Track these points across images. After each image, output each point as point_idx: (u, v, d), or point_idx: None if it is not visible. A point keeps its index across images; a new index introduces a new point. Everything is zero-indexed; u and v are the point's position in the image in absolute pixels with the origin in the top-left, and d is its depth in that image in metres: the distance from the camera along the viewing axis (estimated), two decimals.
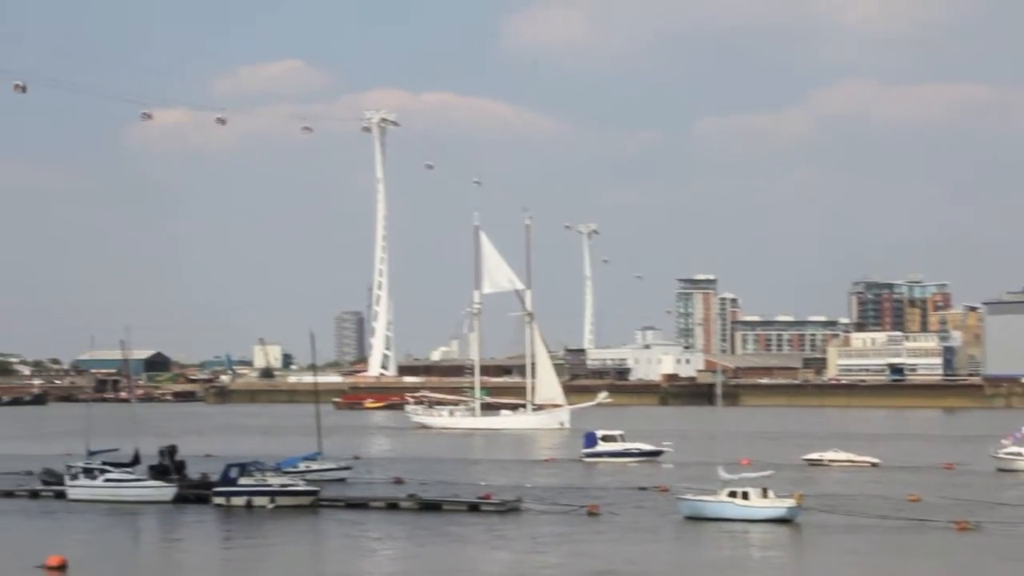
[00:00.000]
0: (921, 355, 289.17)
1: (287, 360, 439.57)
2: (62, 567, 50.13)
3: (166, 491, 73.26)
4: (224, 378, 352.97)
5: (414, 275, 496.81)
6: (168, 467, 77.04)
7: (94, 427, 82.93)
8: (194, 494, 73.17)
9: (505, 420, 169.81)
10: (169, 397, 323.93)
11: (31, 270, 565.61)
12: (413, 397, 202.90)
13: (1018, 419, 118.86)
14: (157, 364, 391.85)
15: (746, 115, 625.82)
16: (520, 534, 60.14)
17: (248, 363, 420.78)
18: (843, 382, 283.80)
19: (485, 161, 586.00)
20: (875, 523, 62.24)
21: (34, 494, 77.33)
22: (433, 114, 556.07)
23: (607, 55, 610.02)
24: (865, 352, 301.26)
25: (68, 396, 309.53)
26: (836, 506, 67.52)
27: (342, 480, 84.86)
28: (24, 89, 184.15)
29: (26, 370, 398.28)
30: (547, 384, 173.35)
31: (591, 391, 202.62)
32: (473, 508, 68.61)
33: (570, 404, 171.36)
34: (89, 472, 75.78)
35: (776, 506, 62.91)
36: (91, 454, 79.36)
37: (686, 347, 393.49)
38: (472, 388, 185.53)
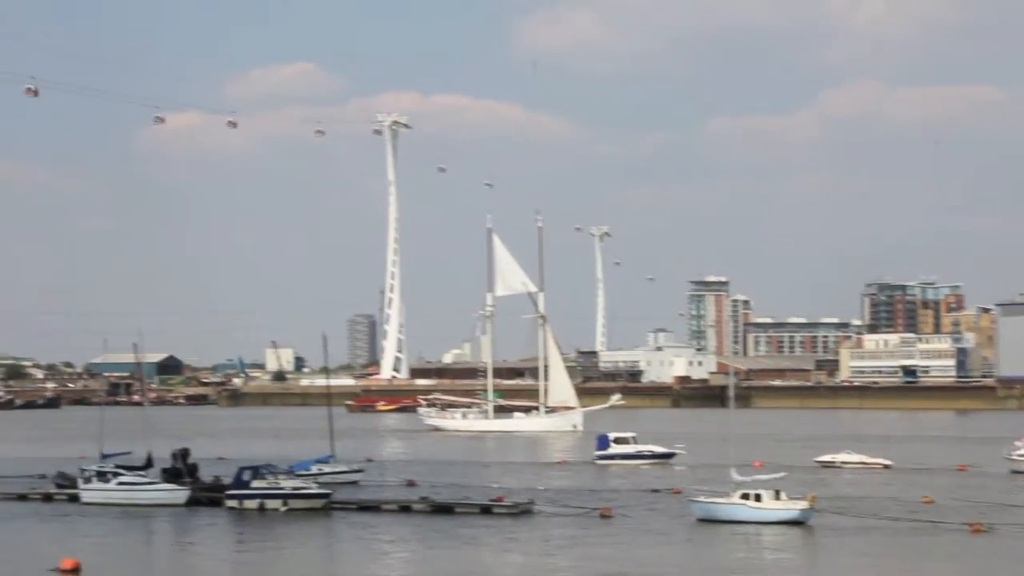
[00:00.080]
0: (934, 357, 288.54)
1: (299, 363, 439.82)
2: (76, 570, 50.22)
3: (179, 494, 73.34)
4: (236, 381, 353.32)
5: (426, 278, 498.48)
6: (181, 470, 77.10)
7: (107, 430, 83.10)
8: (207, 497, 73.27)
9: (518, 422, 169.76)
10: (182, 400, 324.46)
11: (44, 274, 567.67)
12: (426, 400, 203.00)
13: None
14: (170, 367, 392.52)
15: (758, 116, 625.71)
16: (532, 536, 60.14)
17: (260, 366, 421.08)
18: (855, 384, 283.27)
19: (497, 163, 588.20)
20: (888, 525, 62.15)
21: (48, 497, 77.47)
22: (445, 116, 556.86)
23: (619, 57, 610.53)
24: (878, 354, 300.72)
25: (81, 399, 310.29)
26: (849, 508, 67.44)
27: (354, 483, 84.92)
28: (36, 92, 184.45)
29: (39, 374, 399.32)
30: (560, 386, 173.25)
31: (603, 393, 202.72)
32: (485, 511, 68.60)
33: (583, 406, 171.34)
34: (102, 475, 75.88)
35: (789, 508, 62.83)
36: (104, 457, 79.53)
37: (698, 349, 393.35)
38: (485, 390, 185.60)
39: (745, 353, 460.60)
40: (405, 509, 70.44)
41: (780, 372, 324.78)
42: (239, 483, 72.06)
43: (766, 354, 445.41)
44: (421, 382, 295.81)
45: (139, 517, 68.75)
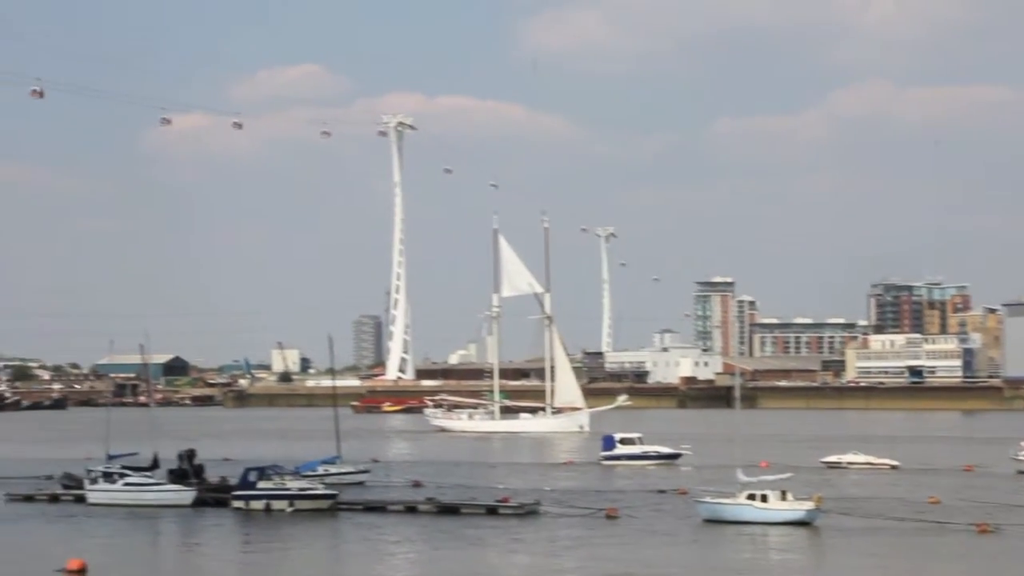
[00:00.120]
0: (940, 357, 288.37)
1: (305, 364, 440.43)
2: (82, 571, 50.25)
3: (185, 495, 73.38)
4: (242, 382, 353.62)
5: (431, 279, 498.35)
6: (187, 471, 77.11)
7: (113, 431, 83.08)
8: (213, 498, 73.29)
9: (524, 423, 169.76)
10: (188, 401, 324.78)
11: (50, 275, 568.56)
12: (432, 400, 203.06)
13: None
14: (176, 368, 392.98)
15: (763, 117, 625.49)
16: (538, 537, 60.11)
17: (266, 367, 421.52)
18: (862, 384, 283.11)
19: (502, 164, 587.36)
20: (894, 525, 62.07)
21: (54, 498, 77.49)
22: (450, 118, 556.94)
23: (625, 57, 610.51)
24: (884, 354, 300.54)
25: (87, 400, 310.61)
26: (855, 509, 67.35)
27: (360, 483, 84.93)
28: (42, 94, 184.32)
29: (46, 375, 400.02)
30: (567, 387, 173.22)
31: (609, 394, 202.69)
32: (491, 511, 68.57)
33: (589, 407, 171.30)
34: (109, 476, 75.95)
35: (795, 509, 62.77)
36: (111, 458, 79.58)
37: (704, 350, 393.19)
38: (490, 391, 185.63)
39: (751, 354, 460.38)
40: (411, 510, 70.42)
41: (786, 373, 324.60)
42: (245, 484, 72.07)
43: (772, 355, 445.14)
44: (427, 383, 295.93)
45: (145, 518, 68.79)
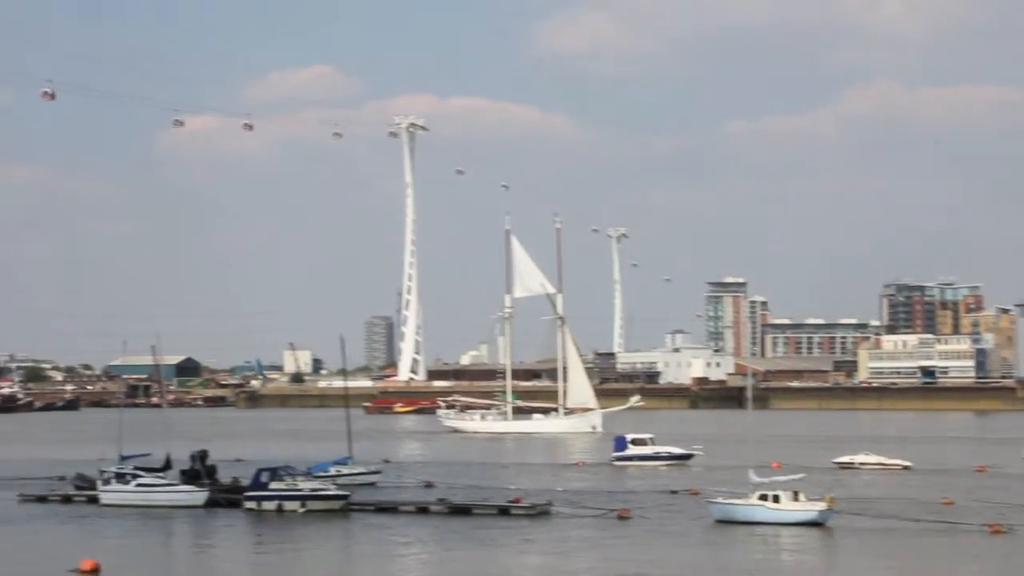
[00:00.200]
0: (953, 357, 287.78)
1: (317, 365, 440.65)
2: (95, 571, 50.37)
3: (197, 496, 73.48)
4: (255, 383, 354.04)
5: (442, 280, 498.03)
6: (199, 472, 77.24)
7: (126, 432, 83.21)
8: (225, 498, 73.38)
9: (537, 424, 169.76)
10: (200, 402, 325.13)
11: (62, 277, 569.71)
12: (445, 401, 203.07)
13: None
14: (188, 369, 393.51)
15: (775, 117, 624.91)
16: (550, 538, 60.12)
17: (278, 368, 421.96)
18: (874, 385, 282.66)
19: (513, 165, 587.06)
20: (907, 526, 61.97)
21: (67, 499, 77.66)
22: (461, 119, 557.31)
23: (636, 59, 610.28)
24: (896, 355, 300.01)
25: (100, 401, 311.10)
26: (867, 509, 67.23)
27: (372, 484, 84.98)
28: (53, 96, 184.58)
29: (59, 376, 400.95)
30: (579, 388, 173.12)
31: (621, 395, 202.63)
32: (503, 512, 68.59)
33: (601, 408, 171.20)
34: (121, 477, 76.10)
35: (807, 509, 62.68)
36: (123, 459, 79.68)
37: (716, 350, 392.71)
38: (503, 392, 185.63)
39: (763, 354, 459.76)
40: (423, 510, 70.44)
41: (798, 373, 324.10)
42: (257, 484, 72.15)
43: (784, 355, 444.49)
44: (438, 384, 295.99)
45: (158, 518, 68.91)
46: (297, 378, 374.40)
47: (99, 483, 76.87)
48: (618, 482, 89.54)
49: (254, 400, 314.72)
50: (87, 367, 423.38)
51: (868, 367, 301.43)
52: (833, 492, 66.90)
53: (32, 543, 61.05)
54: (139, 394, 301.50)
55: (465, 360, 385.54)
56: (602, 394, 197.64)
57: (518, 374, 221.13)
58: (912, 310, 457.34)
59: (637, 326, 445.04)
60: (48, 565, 53.36)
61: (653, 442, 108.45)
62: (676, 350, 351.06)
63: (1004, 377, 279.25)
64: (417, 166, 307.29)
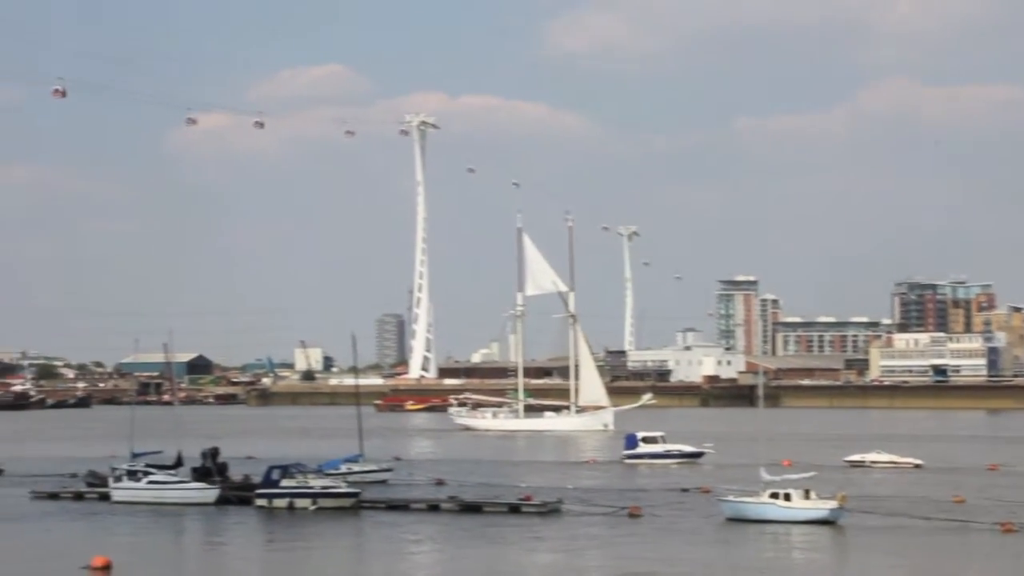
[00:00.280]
0: (965, 356, 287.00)
1: (328, 363, 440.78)
2: (107, 568, 50.48)
3: (209, 493, 73.61)
4: (266, 380, 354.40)
5: (453, 277, 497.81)
6: (211, 469, 77.38)
7: (137, 429, 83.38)
8: (236, 496, 73.49)
9: (549, 422, 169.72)
10: (211, 400, 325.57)
11: (74, 275, 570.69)
12: (457, 399, 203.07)
13: None
14: (199, 367, 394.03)
15: (785, 115, 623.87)
16: (560, 536, 60.11)
17: (289, 366, 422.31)
18: (885, 383, 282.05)
19: (524, 163, 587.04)
20: (918, 525, 61.85)
21: (78, 496, 77.87)
22: (472, 117, 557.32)
23: (646, 57, 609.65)
24: (908, 353, 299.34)
25: (112, 399, 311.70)
26: (879, 507, 67.13)
27: (383, 482, 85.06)
28: (64, 93, 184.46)
29: (70, 373, 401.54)
30: (591, 386, 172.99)
31: (632, 393, 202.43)
32: (514, 510, 68.62)
33: (613, 406, 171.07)
34: (133, 474, 76.28)
35: (819, 507, 62.64)
36: (135, 456, 79.82)
37: (727, 348, 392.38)
38: (514, 390, 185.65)
39: (774, 352, 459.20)
40: (434, 508, 70.49)
41: (809, 371, 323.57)
42: (268, 482, 72.25)
43: (795, 353, 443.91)
44: (449, 382, 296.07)
45: (169, 516, 69.04)
46: (308, 376, 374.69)
47: (111, 480, 77.05)
48: (629, 480, 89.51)
49: (265, 398, 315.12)
50: (99, 365, 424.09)
51: (880, 365, 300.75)
52: (844, 490, 66.78)
53: (44, 540, 61.21)
54: (150, 391, 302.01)
55: (476, 358, 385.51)
56: (613, 392, 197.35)
57: (529, 372, 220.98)
58: (924, 308, 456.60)
59: (648, 324, 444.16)
60: (60, 562, 53.49)
61: (664, 440, 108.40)
62: (687, 348, 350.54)
63: (1016, 376, 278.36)
64: (428, 164, 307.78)
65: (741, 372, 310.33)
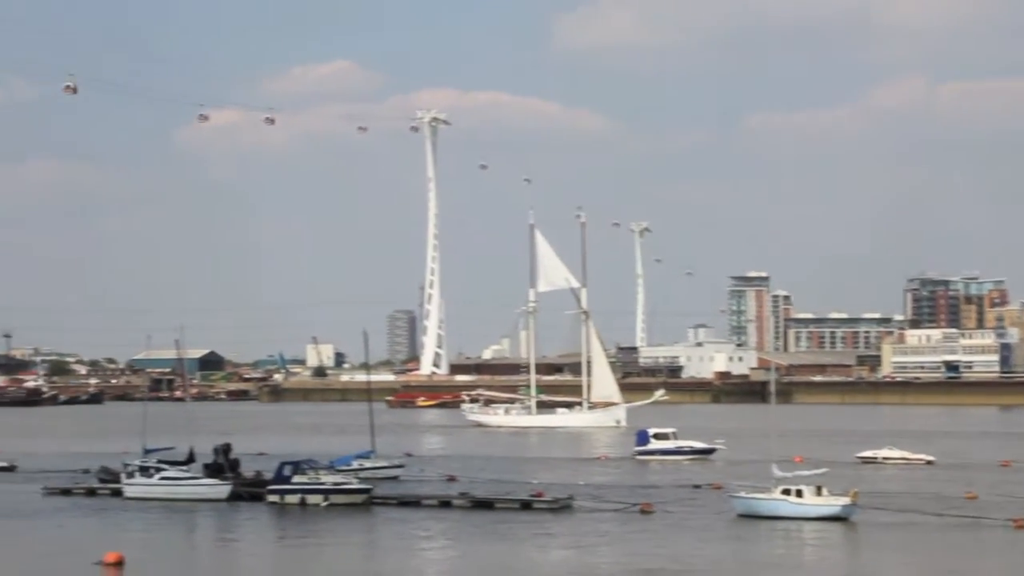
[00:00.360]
0: (977, 352, 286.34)
1: (339, 359, 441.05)
2: (119, 564, 50.58)
3: (221, 489, 73.68)
4: (277, 377, 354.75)
5: (465, 273, 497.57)
6: (223, 465, 77.47)
7: (149, 425, 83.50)
8: (248, 492, 73.56)
9: (561, 418, 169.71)
10: (223, 396, 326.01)
11: (86, 271, 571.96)
12: (468, 395, 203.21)
13: None
14: (211, 363, 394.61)
15: (798, 112, 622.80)
16: (572, 532, 60.15)
17: (301, 362, 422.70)
18: (897, 379, 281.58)
19: (535, 160, 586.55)
20: (930, 521, 61.74)
21: (91, 492, 77.97)
22: (483, 113, 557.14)
23: (657, 53, 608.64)
24: (920, 349, 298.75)
25: (124, 395, 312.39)
26: (891, 504, 67.03)
27: (395, 478, 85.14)
28: (75, 90, 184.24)
29: (83, 370, 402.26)
30: (603, 382, 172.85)
31: (644, 389, 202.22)
32: (525, 506, 68.63)
33: (625, 402, 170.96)
34: (145, 470, 76.44)
35: (831, 504, 62.57)
36: (147, 452, 79.92)
37: (739, 345, 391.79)
38: (526, 386, 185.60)
39: (786, 348, 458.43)
40: (445, 504, 70.51)
41: (821, 368, 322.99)
42: (280, 478, 72.34)
43: (807, 349, 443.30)
44: (461, 378, 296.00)
45: (181, 512, 69.14)
46: (320, 372, 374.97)
47: (123, 476, 77.19)
48: (640, 476, 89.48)
49: (277, 394, 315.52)
50: (111, 361, 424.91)
51: (891, 362, 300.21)
52: (856, 487, 66.70)
53: (56, 536, 61.36)
54: (162, 388, 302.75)
55: (487, 354, 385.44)
56: (625, 388, 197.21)
57: (540, 368, 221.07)
58: (936, 304, 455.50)
59: (660, 320, 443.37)
60: (72, 558, 53.60)
61: (675, 436, 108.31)
62: (699, 344, 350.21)
63: None
64: (439, 160, 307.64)
65: (753, 368, 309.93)
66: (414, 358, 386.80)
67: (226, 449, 79.39)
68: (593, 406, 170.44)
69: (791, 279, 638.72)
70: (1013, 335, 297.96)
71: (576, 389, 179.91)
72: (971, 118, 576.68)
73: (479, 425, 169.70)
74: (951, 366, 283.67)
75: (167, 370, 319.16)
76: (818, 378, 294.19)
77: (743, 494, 65.82)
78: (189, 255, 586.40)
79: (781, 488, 63.53)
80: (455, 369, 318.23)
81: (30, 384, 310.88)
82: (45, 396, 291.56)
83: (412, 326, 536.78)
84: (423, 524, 63.32)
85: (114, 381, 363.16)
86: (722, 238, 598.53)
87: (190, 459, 78.61)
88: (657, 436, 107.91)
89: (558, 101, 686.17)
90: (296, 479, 71.66)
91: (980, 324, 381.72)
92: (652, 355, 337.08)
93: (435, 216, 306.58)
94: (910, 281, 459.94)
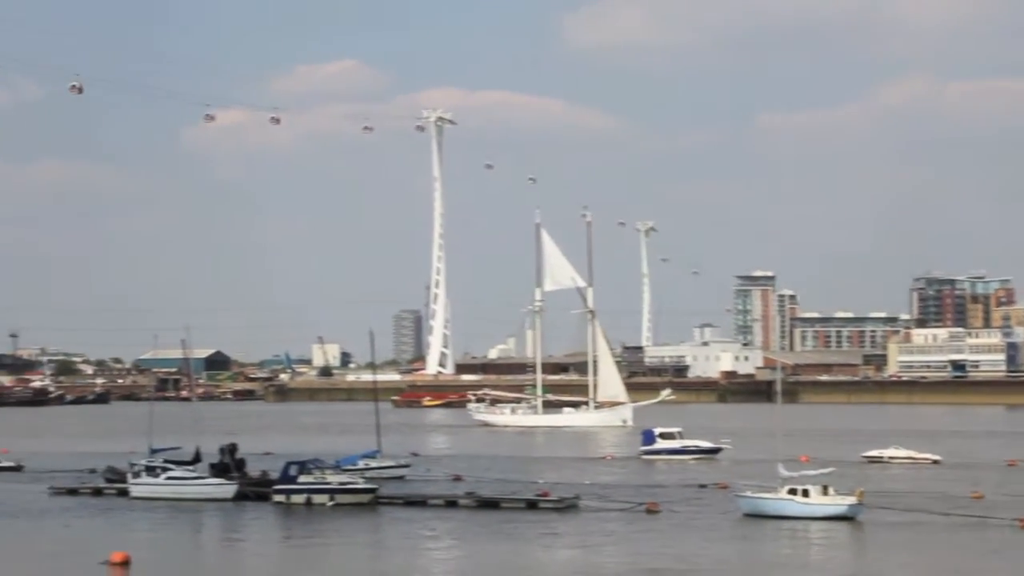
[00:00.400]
0: (984, 351, 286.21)
1: (345, 359, 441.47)
2: (125, 563, 50.63)
3: (227, 489, 73.75)
4: (283, 377, 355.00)
5: (471, 273, 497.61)
6: (229, 465, 77.56)
7: (156, 425, 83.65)
8: (254, 492, 73.64)
9: (568, 417, 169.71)
10: (229, 396, 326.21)
11: (93, 271, 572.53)
12: (474, 395, 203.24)
13: None
14: (217, 363, 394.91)
15: (806, 111, 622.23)
16: (578, 531, 60.15)
17: (307, 362, 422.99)
18: (904, 379, 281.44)
19: (541, 159, 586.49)
20: (937, 520, 61.68)
21: (97, 491, 78.04)
22: (489, 112, 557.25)
23: (665, 52, 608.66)
24: (926, 348, 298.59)
25: (130, 395, 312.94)
26: (897, 503, 66.98)
27: (401, 478, 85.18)
28: (81, 90, 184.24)
29: (89, 369, 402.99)
30: (609, 381, 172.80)
31: (649, 388, 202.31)
32: (531, 506, 68.62)
33: (631, 402, 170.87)
34: (151, 470, 76.51)
35: (836, 503, 62.54)
36: (153, 452, 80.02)
37: (745, 344, 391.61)
38: (532, 386, 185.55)
39: (792, 348, 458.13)
40: (451, 504, 70.52)
41: (827, 367, 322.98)
42: (286, 478, 72.39)
43: (813, 349, 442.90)
44: (467, 377, 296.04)
45: (187, 511, 69.19)
46: (326, 372, 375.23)
47: (129, 476, 77.27)
48: (646, 476, 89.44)
49: (283, 394, 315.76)
50: (117, 361, 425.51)
51: (898, 361, 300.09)
52: (862, 486, 66.69)
53: (63, 535, 61.44)
54: (169, 387, 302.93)
55: (493, 354, 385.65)
56: (631, 388, 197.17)
57: (546, 368, 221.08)
58: (942, 304, 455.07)
59: (665, 320, 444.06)
60: (79, 557, 53.64)
61: (681, 436, 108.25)
62: (705, 344, 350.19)
63: None
64: (445, 160, 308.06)
65: (759, 368, 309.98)
66: (420, 358, 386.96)
67: (232, 449, 79.47)
68: (599, 406, 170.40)
69: (797, 278, 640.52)
70: (1020, 334, 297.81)
71: (582, 388, 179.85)
72: (977, 117, 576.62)
73: (485, 425, 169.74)
74: (957, 365, 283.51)
75: (173, 370, 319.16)
76: (824, 377, 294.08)
77: (749, 494, 65.78)
78: (195, 255, 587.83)
79: (787, 488, 63.52)
80: (461, 369, 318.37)
81: (36, 384, 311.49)
82: (51, 396, 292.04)
83: (418, 326, 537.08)
84: (429, 524, 63.32)
85: (120, 381, 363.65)
86: (728, 237, 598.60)
87: (196, 459, 78.75)
88: (663, 436, 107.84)
89: (563, 100, 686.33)
90: (302, 479, 71.71)
91: (986, 323, 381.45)
92: (658, 354, 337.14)
93: (441, 216, 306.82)
94: (916, 280, 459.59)
